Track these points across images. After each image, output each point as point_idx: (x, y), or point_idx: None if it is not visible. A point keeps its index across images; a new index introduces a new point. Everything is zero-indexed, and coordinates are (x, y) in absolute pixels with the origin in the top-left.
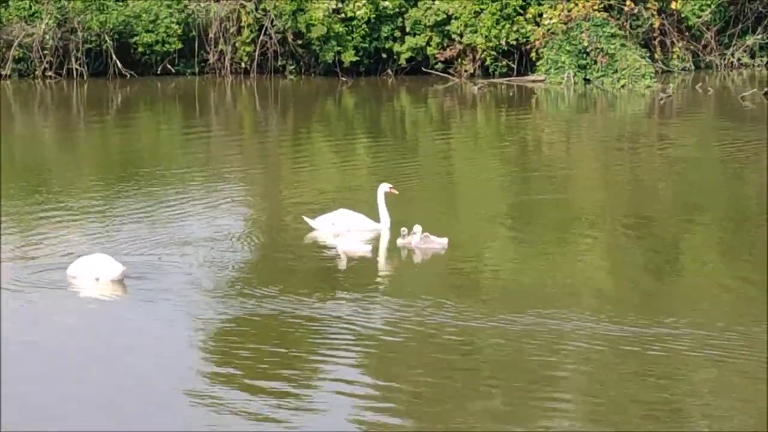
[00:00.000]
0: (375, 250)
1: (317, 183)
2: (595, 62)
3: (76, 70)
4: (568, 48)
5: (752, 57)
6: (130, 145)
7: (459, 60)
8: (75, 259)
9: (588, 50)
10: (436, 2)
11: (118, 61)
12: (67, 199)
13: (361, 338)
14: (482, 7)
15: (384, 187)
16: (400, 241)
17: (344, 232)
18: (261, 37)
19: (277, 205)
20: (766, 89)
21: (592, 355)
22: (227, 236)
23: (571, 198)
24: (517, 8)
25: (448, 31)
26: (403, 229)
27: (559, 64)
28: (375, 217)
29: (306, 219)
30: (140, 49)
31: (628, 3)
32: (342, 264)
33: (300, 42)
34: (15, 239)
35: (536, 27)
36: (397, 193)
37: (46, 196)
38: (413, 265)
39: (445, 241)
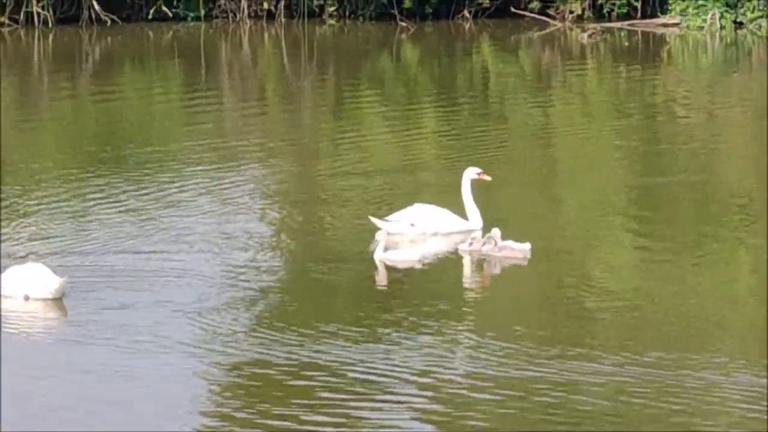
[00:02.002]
0: (426, 258)
1: (369, 167)
2: None
3: (38, 14)
4: None
5: None
6: (112, 116)
7: None
8: (6, 269)
9: None
10: None
11: (94, 2)
12: (24, 189)
13: (419, 390)
14: None
15: (471, 173)
16: (464, 248)
17: (428, 235)
18: None
19: (313, 198)
20: None
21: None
22: (239, 241)
23: (712, 181)
24: None
25: None
26: (474, 234)
27: (701, 2)
28: (460, 212)
29: (374, 220)
30: None
31: None
32: (381, 280)
33: None
34: None
35: None
36: (489, 179)
37: None
38: (486, 282)
39: (527, 247)
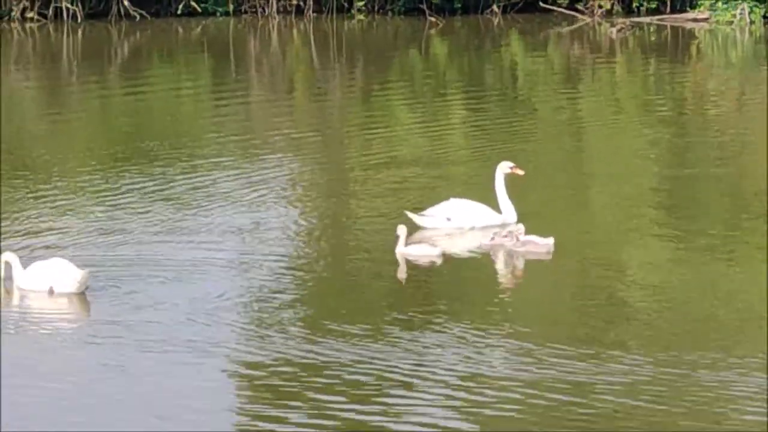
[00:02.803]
0: (447, 253)
1: (398, 161)
2: None
3: (67, 9)
4: None
5: None
6: (141, 111)
7: None
8: (29, 264)
9: None
10: None
11: None
12: (54, 184)
13: (442, 388)
14: None
15: (504, 167)
16: (486, 243)
17: (465, 229)
18: None
19: (342, 192)
20: None
21: None
22: (267, 235)
23: (742, 174)
24: None
25: None
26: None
27: None
28: (491, 206)
29: (410, 215)
30: None
31: None
32: (401, 275)
33: None
34: None
35: None
36: (521, 173)
37: (27, 178)
38: (509, 278)
39: (550, 242)
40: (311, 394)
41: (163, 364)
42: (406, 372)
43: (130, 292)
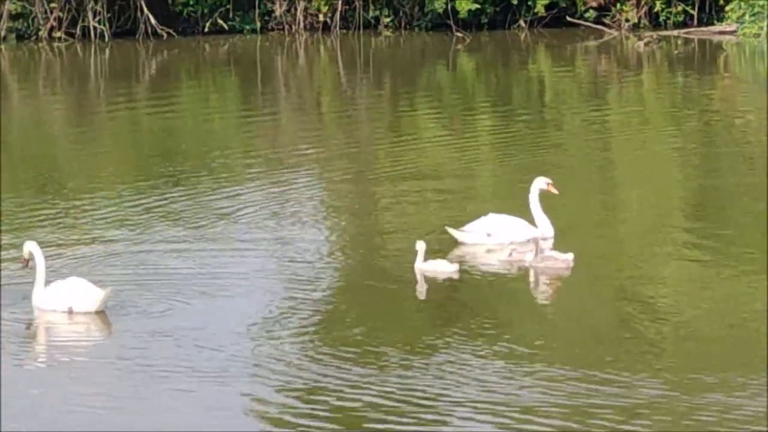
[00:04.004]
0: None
1: (427, 177)
2: None
3: (95, 28)
4: None
5: None
6: (168, 128)
7: (618, 5)
8: (50, 284)
9: None
10: None
11: (150, 16)
12: (81, 202)
13: (456, 411)
14: None
15: (540, 183)
16: (504, 259)
17: (505, 244)
18: None
19: (370, 208)
20: None
21: None
22: (295, 252)
23: None
24: None
25: None
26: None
27: (757, 9)
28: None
29: (450, 230)
30: None
31: None
32: (420, 292)
33: None
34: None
35: None
36: (556, 192)
37: (54, 201)
38: (529, 295)
39: (570, 257)
40: (333, 416)
41: (179, 389)
42: (424, 395)
43: (150, 312)
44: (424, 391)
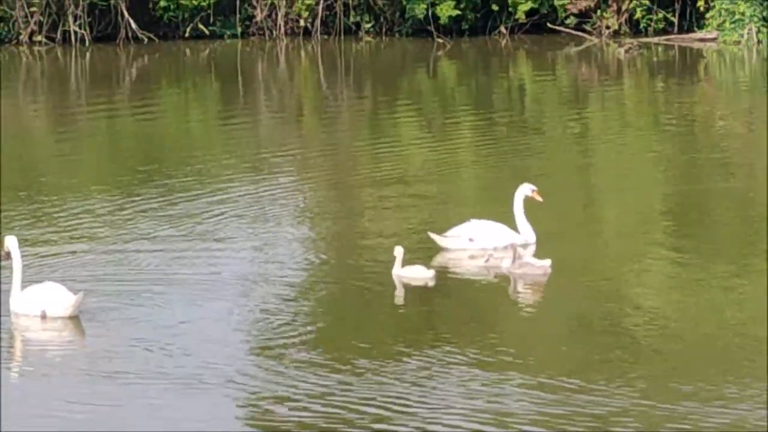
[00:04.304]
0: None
1: (407, 182)
2: None
3: (75, 33)
4: None
5: None
6: (149, 133)
7: (598, 12)
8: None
9: None
10: None
11: (131, 21)
12: (61, 207)
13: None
14: None
15: (525, 189)
16: (481, 265)
17: (488, 249)
18: None
19: (349, 213)
20: None
21: None
22: (274, 260)
23: (752, 190)
24: None
25: None
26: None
27: (737, 16)
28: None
29: (433, 236)
30: (161, 3)
31: None
32: (398, 298)
33: None
34: None
35: None
36: (540, 200)
37: (33, 204)
38: (508, 303)
39: (547, 263)
40: (308, 423)
41: (149, 396)
42: (398, 401)
43: (129, 316)
44: (398, 398)
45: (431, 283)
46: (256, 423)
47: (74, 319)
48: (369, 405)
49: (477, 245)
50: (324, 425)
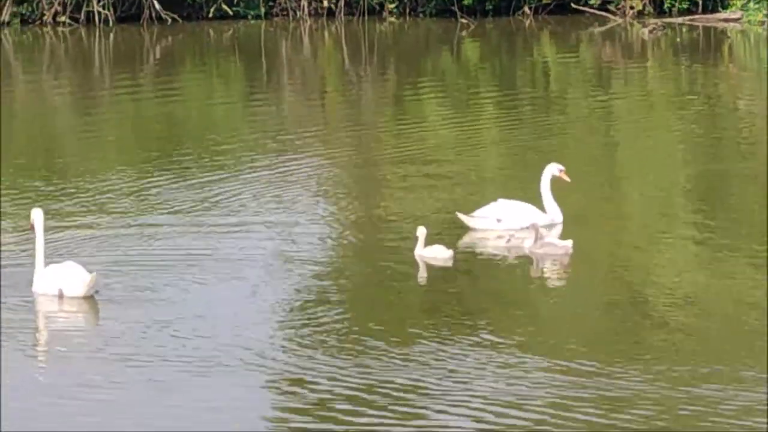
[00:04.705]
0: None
1: (432, 162)
2: None
3: (99, 13)
4: None
5: None
6: (173, 115)
7: None
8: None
9: None
10: None
11: (155, 1)
12: (83, 190)
13: (446, 406)
14: None
15: (553, 169)
16: (502, 245)
17: (515, 230)
18: None
19: (376, 193)
20: None
21: None
22: (296, 240)
23: None
24: None
25: None
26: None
27: None
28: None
29: (461, 216)
30: None
31: None
32: (420, 278)
33: None
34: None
35: None
36: (568, 180)
37: (57, 184)
38: (526, 284)
39: (569, 244)
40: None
41: (159, 380)
42: (403, 387)
43: (148, 297)
44: (417, 381)
45: (449, 263)
46: (274, 405)
47: (90, 299)
48: (387, 387)
49: (504, 225)
50: (342, 407)
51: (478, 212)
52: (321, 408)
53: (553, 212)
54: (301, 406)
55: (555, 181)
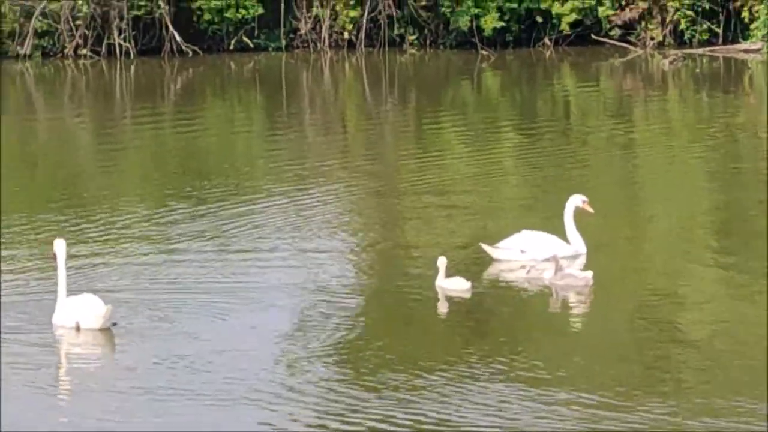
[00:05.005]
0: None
1: (452, 193)
2: None
3: (120, 46)
4: None
5: None
6: (193, 147)
7: (643, 23)
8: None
9: None
10: None
11: (176, 34)
12: (105, 221)
13: None
14: None
15: (576, 200)
16: (523, 276)
17: (539, 260)
18: None
19: (396, 224)
20: None
21: None
22: (318, 271)
23: None
24: None
25: None
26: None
27: None
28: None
29: (485, 247)
30: (206, 17)
31: None
32: (441, 309)
33: (424, 3)
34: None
35: None
36: (591, 211)
37: (79, 215)
38: (547, 316)
39: (589, 275)
40: None
41: (176, 414)
42: (426, 419)
43: (164, 329)
44: (426, 416)
45: (467, 295)
46: None
47: (106, 331)
48: (407, 420)
49: (528, 256)
50: None
51: (501, 243)
52: None
53: (577, 243)
54: None
55: (578, 212)
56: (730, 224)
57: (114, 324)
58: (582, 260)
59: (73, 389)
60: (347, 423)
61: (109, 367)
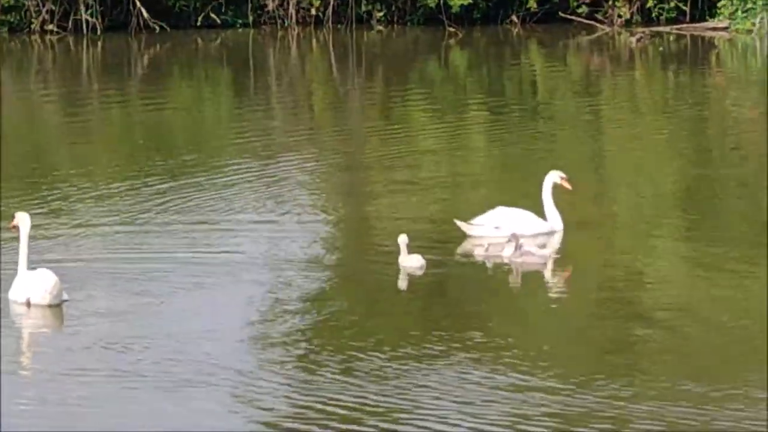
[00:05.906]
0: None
1: (419, 169)
2: None
3: (87, 21)
4: None
5: None
6: (161, 122)
7: (610, 1)
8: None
9: None
10: None
11: (143, 9)
12: (74, 196)
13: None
14: None
15: (555, 176)
16: (479, 253)
17: (512, 238)
18: None
19: (364, 201)
20: None
21: None
22: (282, 247)
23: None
24: None
25: None
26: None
27: (749, 5)
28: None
29: (459, 223)
30: None
31: None
32: (401, 286)
33: None
34: None
35: None
36: (569, 187)
37: (44, 190)
38: (507, 294)
39: (548, 252)
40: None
41: (123, 396)
42: (379, 403)
43: (119, 305)
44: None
45: (420, 272)
46: (242, 422)
47: (56, 308)
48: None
49: (503, 233)
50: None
51: (476, 220)
52: (299, 420)
53: (554, 220)
54: (276, 421)
55: (555, 189)
56: (697, 200)
57: (64, 301)
58: (558, 237)
59: (6, 369)
60: (297, 405)
61: (58, 347)
